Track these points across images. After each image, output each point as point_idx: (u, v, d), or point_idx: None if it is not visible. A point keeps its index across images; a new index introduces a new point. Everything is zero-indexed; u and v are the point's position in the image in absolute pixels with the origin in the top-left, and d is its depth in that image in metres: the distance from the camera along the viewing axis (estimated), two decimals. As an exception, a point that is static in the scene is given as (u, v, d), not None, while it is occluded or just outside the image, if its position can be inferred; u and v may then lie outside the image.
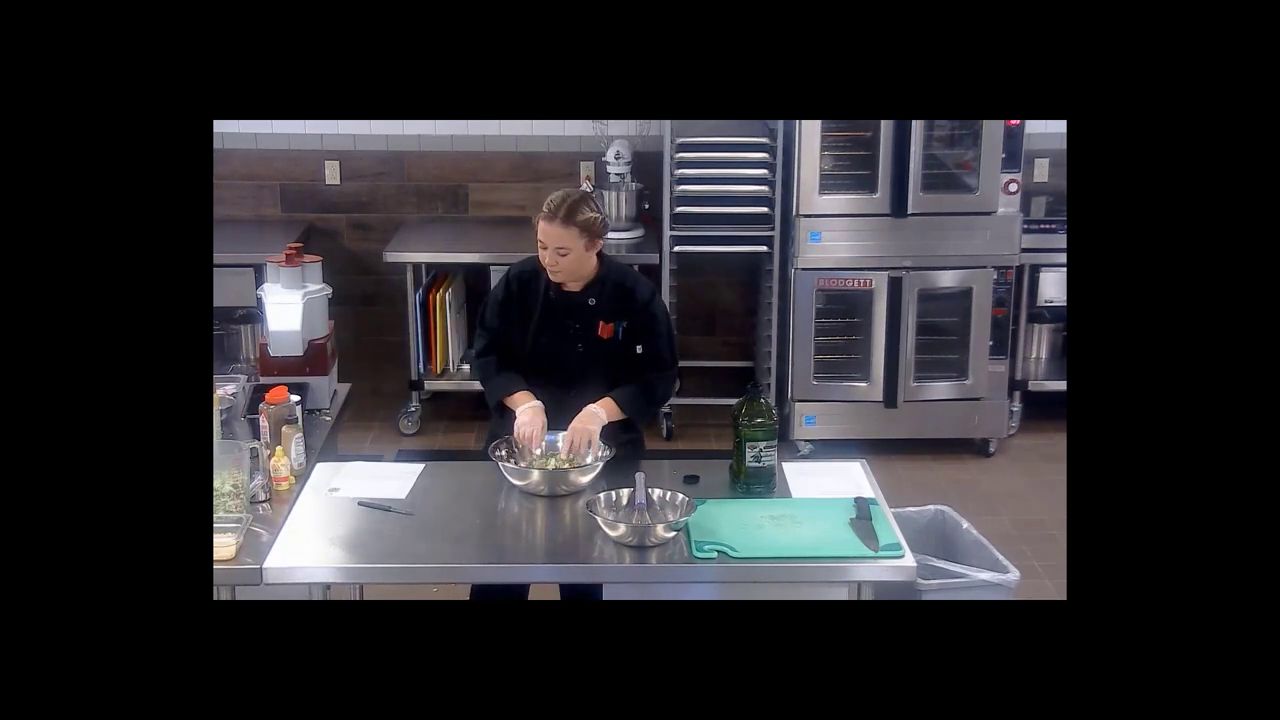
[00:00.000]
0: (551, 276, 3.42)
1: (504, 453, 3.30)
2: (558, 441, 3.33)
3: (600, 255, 3.47)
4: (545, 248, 3.36)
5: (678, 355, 3.60)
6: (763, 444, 3.22)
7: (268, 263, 3.87)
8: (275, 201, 6.01)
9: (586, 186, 5.81)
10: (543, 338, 3.47)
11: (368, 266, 5.93)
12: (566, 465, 3.28)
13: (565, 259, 3.36)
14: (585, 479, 3.23)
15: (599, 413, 3.35)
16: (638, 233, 5.71)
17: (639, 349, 3.46)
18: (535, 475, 3.22)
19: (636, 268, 5.53)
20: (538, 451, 3.33)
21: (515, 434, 3.34)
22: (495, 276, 5.46)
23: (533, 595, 3.52)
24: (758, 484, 3.24)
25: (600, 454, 3.27)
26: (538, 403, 3.39)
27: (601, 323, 3.45)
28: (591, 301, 3.45)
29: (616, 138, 5.78)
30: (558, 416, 3.40)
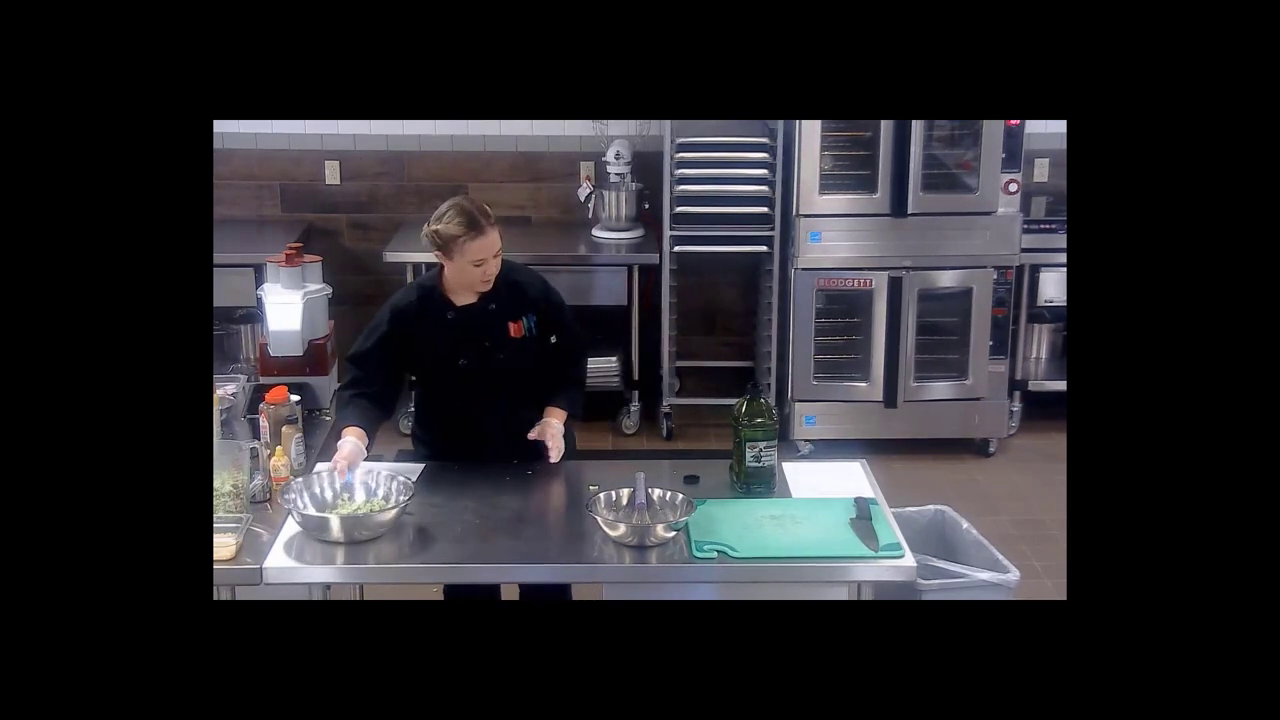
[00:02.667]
0: (485, 287, 3.36)
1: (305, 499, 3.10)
2: (354, 483, 3.16)
3: None
4: (483, 261, 3.29)
5: (585, 339, 3.65)
6: (763, 444, 3.21)
7: (268, 263, 3.87)
8: (275, 201, 6.01)
9: (586, 187, 5.82)
10: (461, 360, 3.40)
11: (368, 266, 5.93)
12: (366, 510, 3.09)
13: (496, 260, 3.34)
14: (386, 518, 3.03)
15: (558, 426, 3.41)
16: (638, 233, 5.72)
17: (553, 339, 3.46)
18: (334, 522, 2.99)
19: (636, 268, 5.56)
20: (338, 482, 3.15)
21: (330, 464, 3.21)
22: (495, 276, 5.50)
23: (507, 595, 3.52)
24: (758, 484, 3.24)
25: (401, 496, 3.09)
26: (358, 440, 3.26)
27: (510, 324, 3.42)
28: (493, 306, 3.41)
29: (616, 138, 5.78)
30: (495, 429, 3.42)
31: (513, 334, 3.42)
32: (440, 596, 3.58)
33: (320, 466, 3.34)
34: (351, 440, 3.24)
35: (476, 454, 3.44)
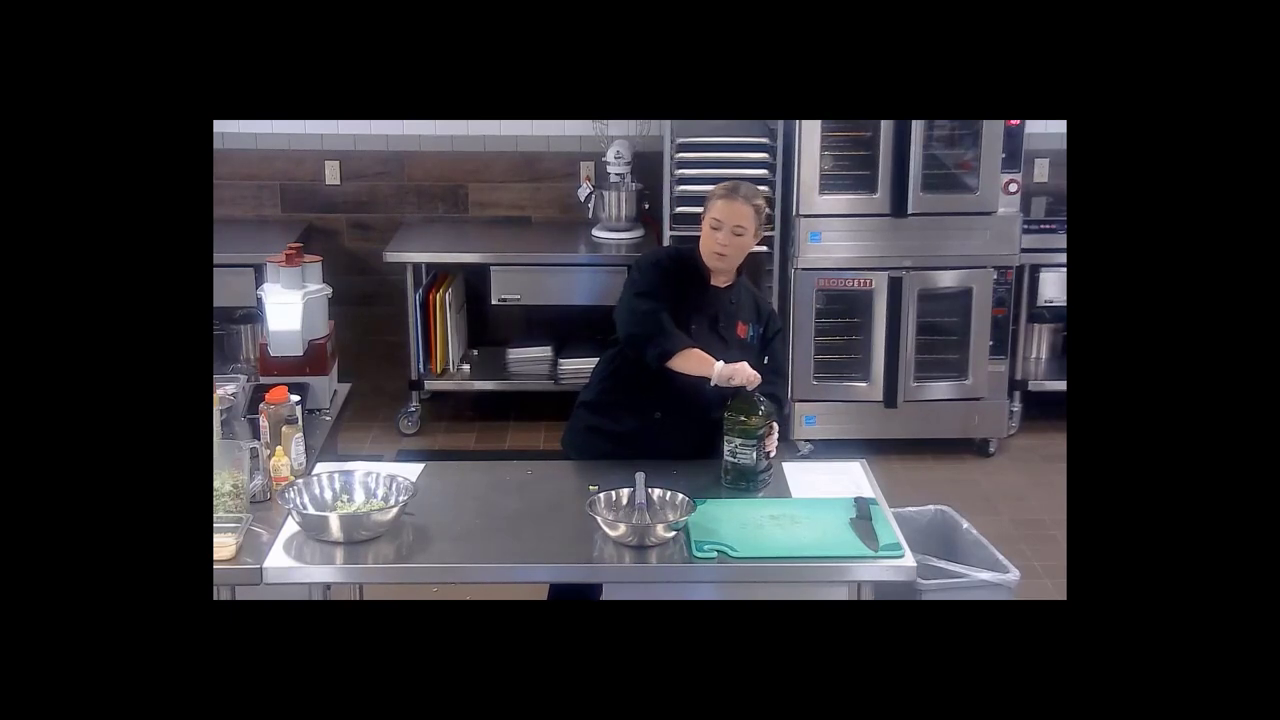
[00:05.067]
0: (718, 261, 3.40)
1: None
2: (354, 484, 3.17)
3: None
4: (719, 228, 3.36)
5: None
6: (738, 441, 3.23)
7: (268, 263, 3.87)
8: (275, 201, 6.02)
9: (586, 187, 5.82)
10: (694, 325, 3.43)
11: (368, 266, 5.93)
12: (366, 510, 3.08)
13: (739, 240, 3.37)
14: (385, 518, 3.02)
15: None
16: (638, 233, 5.72)
17: (765, 359, 3.47)
18: (333, 521, 2.96)
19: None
20: (336, 483, 3.14)
21: (731, 378, 3.22)
22: (495, 276, 5.51)
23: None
24: (736, 479, 3.26)
25: (401, 496, 3.08)
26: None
27: (739, 323, 3.47)
28: (733, 301, 3.48)
29: (616, 138, 5.78)
30: (666, 411, 3.42)
31: (739, 333, 3.47)
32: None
33: (320, 467, 3.34)
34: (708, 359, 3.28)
35: (641, 441, 3.43)
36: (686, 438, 3.46)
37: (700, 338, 3.41)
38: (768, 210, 3.48)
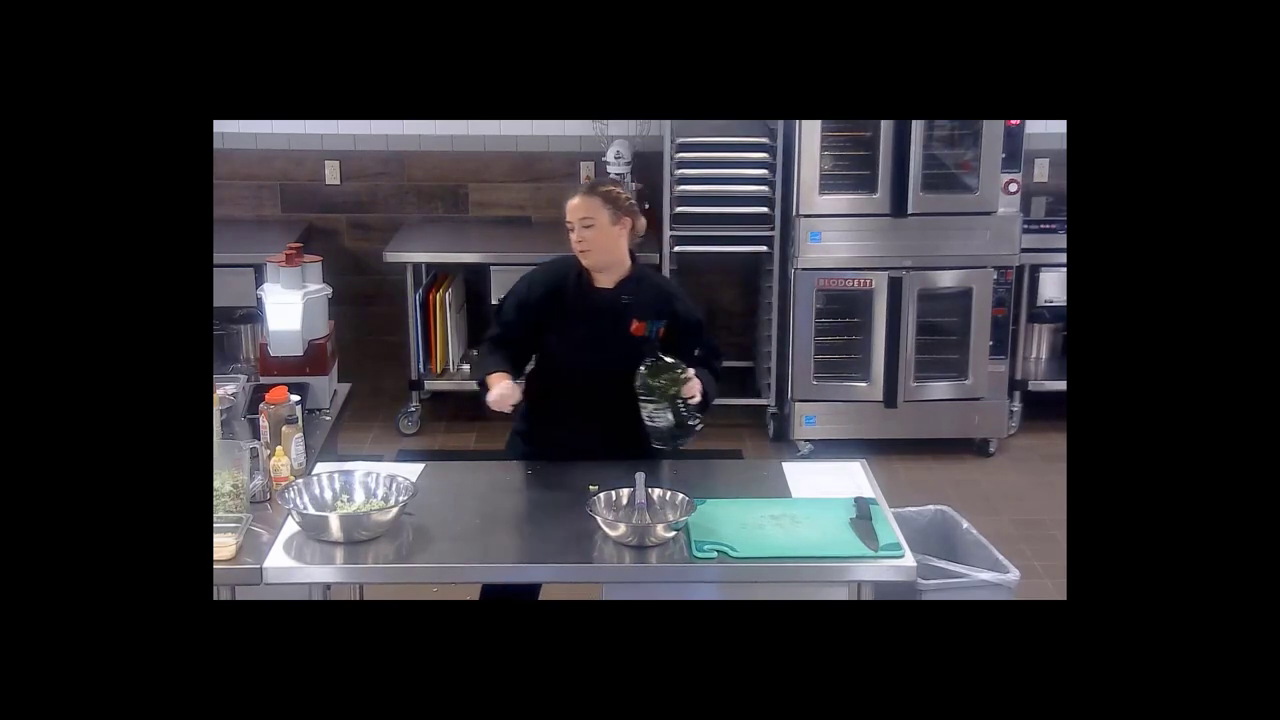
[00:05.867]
0: (587, 259, 3.42)
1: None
2: (354, 484, 3.18)
3: (634, 256, 3.50)
4: (572, 227, 3.39)
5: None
6: (650, 406, 3.28)
7: (268, 263, 3.87)
8: (275, 201, 6.02)
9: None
10: (579, 330, 3.45)
11: (368, 266, 5.93)
12: (365, 510, 3.09)
13: (591, 231, 3.37)
14: (385, 518, 3.02)
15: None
16: (638, 233, 5.71)
17: (696, 352, 3.47)
18: (333, 521, 2.97)
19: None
20: (336, 483, 3.17)
21: (494, 405, 3.35)
22: (495, 276, 5.50)
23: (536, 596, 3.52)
24: (659, 440, 3.34)
25: (401, 496, 3.09)
26: (507, 377, 3.39)
27: (635, 321, 3.45)
28: (625, 299, 3.45)
29: (616, 138, 5.78)
30: (579, 415, 3.44)
31: (633, 331, 3.44)
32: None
33: (319, 467, 3.34)
34: (505, 381, 3.35)
35: (569, 448, 3.45)
36: (619, 436, 3.42)
37: (586, 342, 3.42)
38: (625, 195, 3.44)
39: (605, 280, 3.46)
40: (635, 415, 3.34)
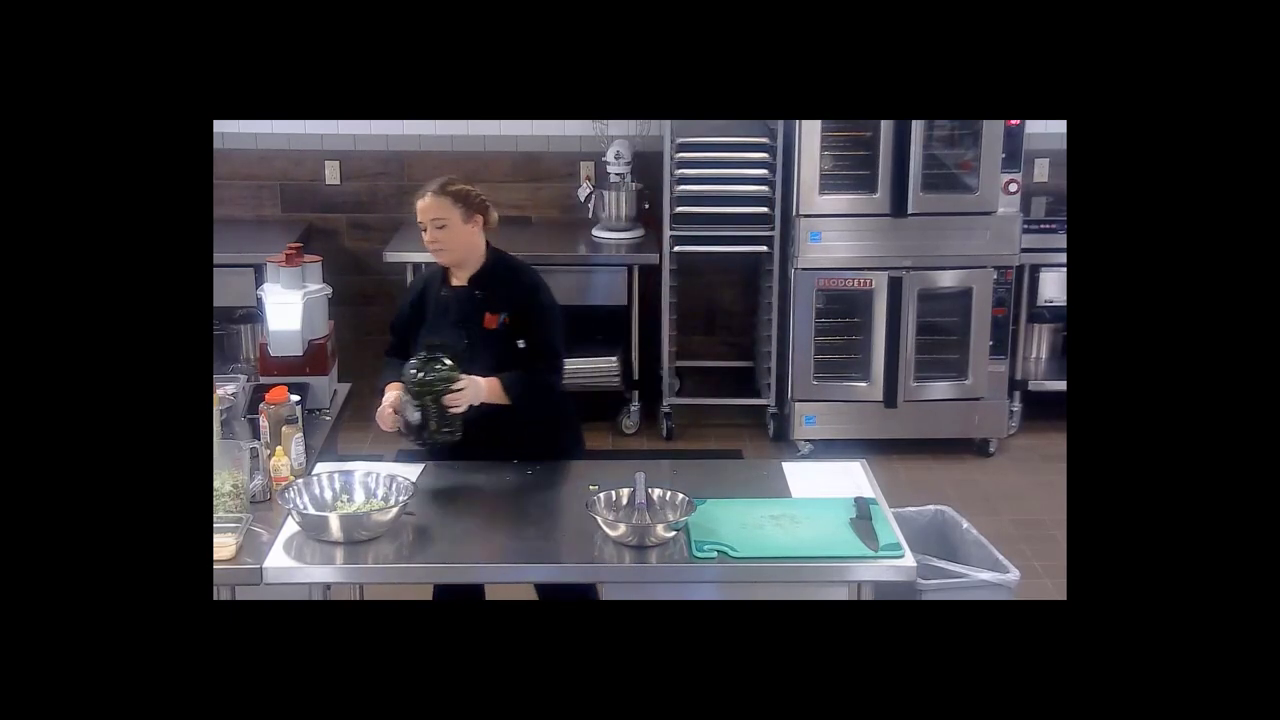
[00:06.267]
0: (436, 257, 3.47)
1: None
2: (354, 484, 3.19)
3: (490, 246, 3.50)
4: (425, 228, 3.41)
5: (563, 353, 3.55)
6: (406, 397, 3.30)
7: (268, 263, 3.87)
8: (275, 201, 6.02)
9: (586, 187, 5.82)
10: (432, 333, 3.45)
11: (368, 266, 5.93)
12: (365, 510, 3.10)
13: (444, 232, 3.39)
14: (385, 518, 3.03)
15: (480, 386, 3.31)
16: (638, 233, 5.72)
17: (520, 344, 3.44)
18: (333, 521, 2.98)
19: (636, 268, 5.56)
20: (338, 483, 3.19)
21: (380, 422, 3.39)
22: (495, 276, 5.49)
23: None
24: (405, 432, 3.35)
25: (401, 496, 3.10)
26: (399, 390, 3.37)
27: (488, 314, 3.44)
28: (478, 293, 3.46)
29: (616, 138, 5.78)
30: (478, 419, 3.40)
31: (486, 324, 3.44)
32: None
33: (320, 467, 3.34)
34: (394, 393, 3.36)
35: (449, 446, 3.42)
36: (488, 434, 3.40)
37: (450, 339, 3.41)
38: (475, 191, 3.44)
39: (461, 277, 3.49)
40: (502, 411, 3.36)
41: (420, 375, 3.28)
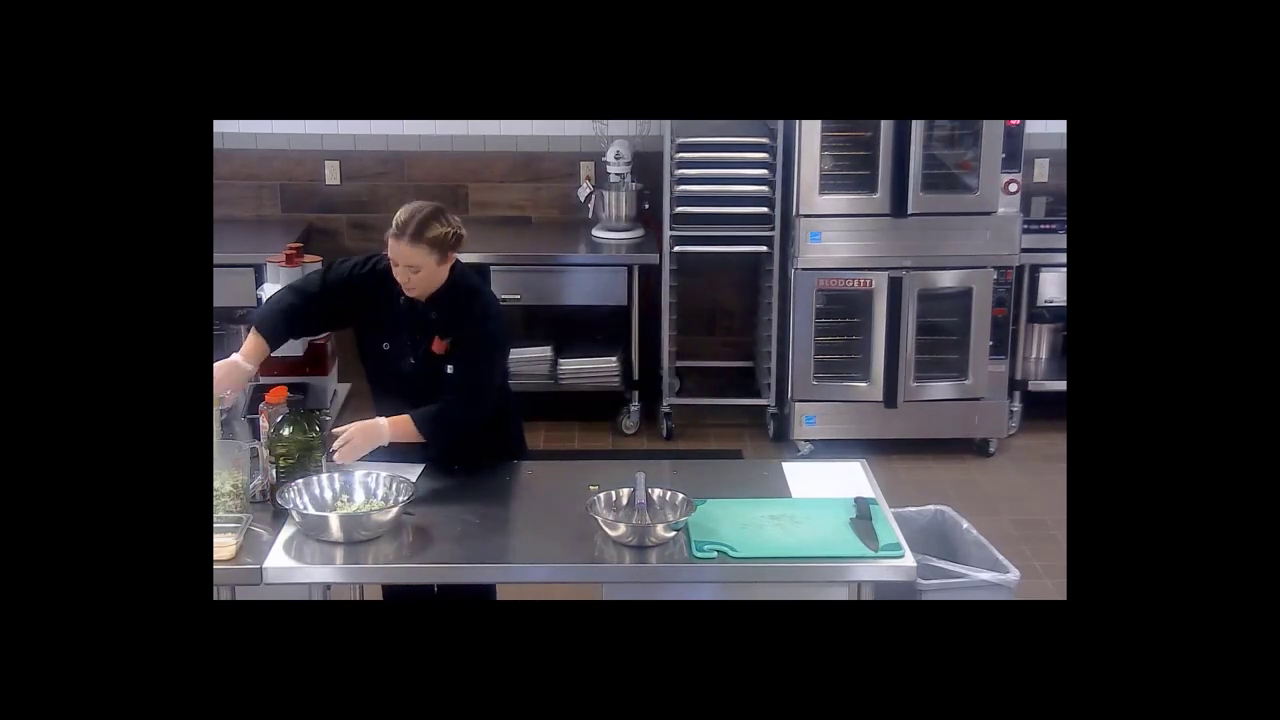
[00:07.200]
0: (407, 292, 3.30)
1: None
2: (354, 484, 3.17)
3: (454, 268, 3.35)
4: (397, 264, 3.26)
5: (493, 386, 3.38)
6: (282, 465, 3.15)
7: (268, 263, 3.88)
8: (275, 201, 6.02)
9: (586, 187, 5.81)
10: (386, 345, 3.38)
11: (368, 266, 5.92)
12: (365, 510, 3.10)
13: (418, 276, 3.25)
14: (385, 518, 3.03)
15: (382, 428, 3.24)
16: (638, 233, 5.72)
17: (449, 368, 3.33)
18: (333, 521, 2.99)
19: (636, 268, 5.56)
20: (337, 483, 3.16)
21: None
22: (495, 276, 5.50)
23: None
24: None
25: (401, 496, 3.09)
26: (237, 361, 3.29)
27: (437, 339, 3.33)
28: (434, 315, 3.34)
29: (616, 138, 5.78)
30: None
31: (434, 348, 3.34)
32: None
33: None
34: (225, 363, 3.26)
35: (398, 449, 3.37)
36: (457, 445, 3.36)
37: (402, 348, 3.34)
38: (449, 231, 3.24)
39: (413, 293, 3.33)
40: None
41: (287, 432, 3.15)
